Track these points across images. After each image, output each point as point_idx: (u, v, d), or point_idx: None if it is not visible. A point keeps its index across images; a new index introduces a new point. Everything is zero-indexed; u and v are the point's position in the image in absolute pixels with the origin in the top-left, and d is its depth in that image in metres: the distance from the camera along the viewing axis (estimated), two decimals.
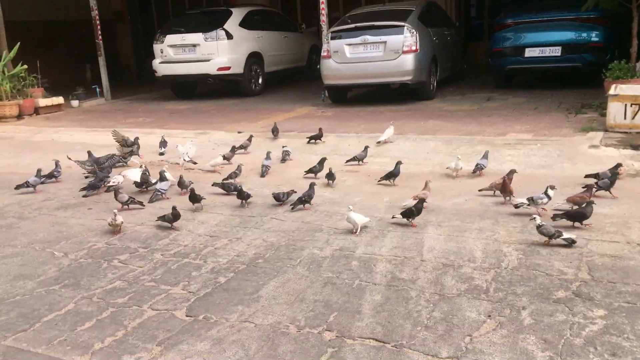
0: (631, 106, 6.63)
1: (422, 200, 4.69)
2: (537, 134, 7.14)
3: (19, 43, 11.77)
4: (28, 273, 4.18)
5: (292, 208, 5.26)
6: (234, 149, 7.33)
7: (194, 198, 5.41)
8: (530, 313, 3.14)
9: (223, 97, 13.19)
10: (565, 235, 4.01)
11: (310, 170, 6.35)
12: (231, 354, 2.95)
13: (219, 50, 12.34)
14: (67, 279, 4.04)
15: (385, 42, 10.00)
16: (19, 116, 11.48)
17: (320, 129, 7.84)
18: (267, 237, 4.63)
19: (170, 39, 12.69)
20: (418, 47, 9.93)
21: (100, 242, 4.76)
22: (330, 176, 5.98)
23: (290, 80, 15.00)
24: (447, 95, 10.99)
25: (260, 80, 13.35)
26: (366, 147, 6.86)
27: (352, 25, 10.39)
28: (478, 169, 6.02)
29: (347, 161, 6.78)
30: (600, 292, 3.33)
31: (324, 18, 11.45)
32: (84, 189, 6.17)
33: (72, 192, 6.27)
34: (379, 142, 7.34)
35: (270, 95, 13.02)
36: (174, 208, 4.96)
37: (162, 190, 5.85)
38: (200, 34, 12.40)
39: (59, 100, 12.34)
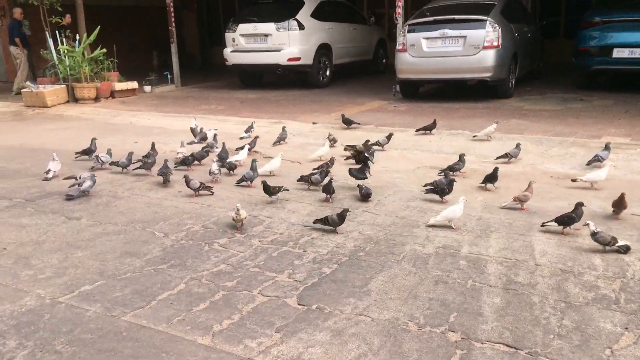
0: None
1: (579, 205, 4.30)
2: (635, 138, 6.80)
3: (98, 27, 12.05)
4: (134, 251, 4.21)
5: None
6: (367, 144, 6.72)
7: (268, 190, 5.30)
8: None
9: (290, 88, 13.19)
10: (621, 242, 3.85)
11: (449, 168, 5.88)
12: (354, 347, 2.86)
13: (290, 41, 12.33)
14: (172, 259, 4.05)
15: (465, 37, 9.74)
16: (96, 99, 11.76)
17: (434, 120, 7.73)
18: (363, 230, 4.53)
19: (243, 27, 12.76)
20: (500, 43, 9.63)
21: (196, 224, 4.77)
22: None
23: (356, 73, 14.87)
24: (525, 94, 10.65)
25: (327, 72, 13.30)
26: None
27: (431, 19, 10.15)
28: (595, 160, 5.89)
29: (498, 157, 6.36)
30: None
31: (399, 10, 11.24)
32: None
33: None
34: (475, 137, 7.13)
35: (337, 88, 12.94)
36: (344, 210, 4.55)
37: (251, 176, 5.79)
38: (272, 23, 12.42)
39: (134, 84, 12.60)
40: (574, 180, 5.43)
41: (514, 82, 10.53)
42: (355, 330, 3.03)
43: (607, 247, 3.88)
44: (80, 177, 5.66)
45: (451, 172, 5.79)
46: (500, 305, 3.23)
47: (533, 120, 8.23)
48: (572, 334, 2.89)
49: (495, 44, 9.61)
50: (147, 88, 13.31)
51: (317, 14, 12.85)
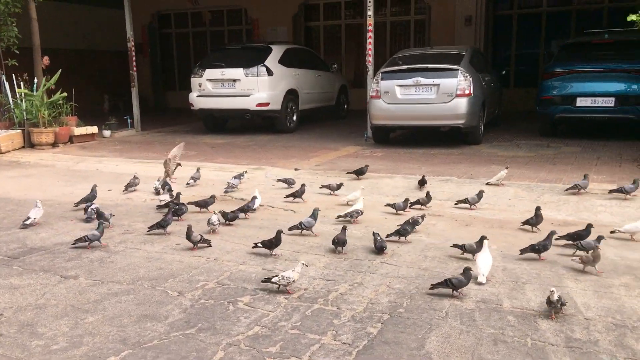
0: None
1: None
2: (619, 183, 6.97)
3: (59, 70, 11.52)
4: (151, 313, 3.82)
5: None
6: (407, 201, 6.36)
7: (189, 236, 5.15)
8: None
9: (257, 133, 13.01)
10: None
11: (527, 222, 5.61)
12: None
13: (258, 86, 12.21)
14: (198, 321, 3.70)
15: (438, 85, 9.92)
16: (54, 144, 11.14)
17: (366, 165, 7.94)
18: (391, 284, 4.33)
19: (210, 72, 12.55)
20: (472, 91, 9.86)
21: (209, 281, 4.42)
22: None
23: (319, 119, 14.86)
24: (493, 141, 10.90)
25: (294, 118, 13.22)
26: (481, 192, 6.48)
27: (404, 67, 10.32)
28: (627, 191, 6.26)
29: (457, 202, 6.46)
30: None
31: (370, 59, 11.38)
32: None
33: (147, 225, 5.90)
34: (488, 183, 7.15)
35: (305, 133, 12.86)
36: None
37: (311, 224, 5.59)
38: (241, 69, 12.29)
39: (94, 129, 12.05)
40: (612, 232, 5.30)
41: (482, 128, 10.77)
42: None
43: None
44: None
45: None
46: None
47: (513, 166, 8.35)
48: None
49: (467, 92, 9.83)
50: (107, 133, 12.76)
51: (284, 61, 12.83)
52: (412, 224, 5.34)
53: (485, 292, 4.13)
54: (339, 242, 5.09)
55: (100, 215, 5.83)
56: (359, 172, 7.80)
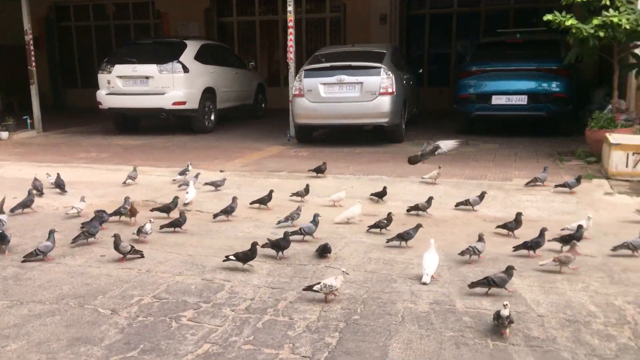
0: (633, 155, 6.90)
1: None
2: (550, 179, 7.22)
3: None
4: (84, 336, 3.42)
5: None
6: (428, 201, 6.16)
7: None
8: None
9: (174, 133, 12.43)
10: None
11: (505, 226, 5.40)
12: None
13: (174, 84, 11.66)
14: (140, 342, 3.35)
15: (362, 83, 9.90)
16: None
17: (324, 163, 7.73)
18: (341, 290, 4.16)
19: (120, 69, 11.83)
20: (394, 90, 9.92)
21: (144, 296, 4.05)
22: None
23: (234, 119, 14.45)
24: (414, 139, 10.99)
25: (212, 117, 12.76)
26: (484, 195, 6.33)
27: (327, 65, 10.22)
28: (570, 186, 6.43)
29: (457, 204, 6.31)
30: None
31: (291, 56, 11.19)
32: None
33: (65, 237, 5.36)
34: (422, 178, 7.24)
35: (224, 134, 12.45)
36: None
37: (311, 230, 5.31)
38: (155, 65, 11.67)
39: None
40: (562, 230, 5.26)
41: (404, 127, 10.88)
42: None
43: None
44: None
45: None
46: None
47: (441, 162, 8.46)
48: None
49: (390, 90, 9.89)
50: (4, 134, 11.69)
51: (200, 57, 12.34)
52: (416, 228, 5.12)
53: (436, 293, 4.06)
54: (279, 246, 4.86)
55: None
56: (319, 170, 7.64)
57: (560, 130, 10.71)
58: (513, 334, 3.41)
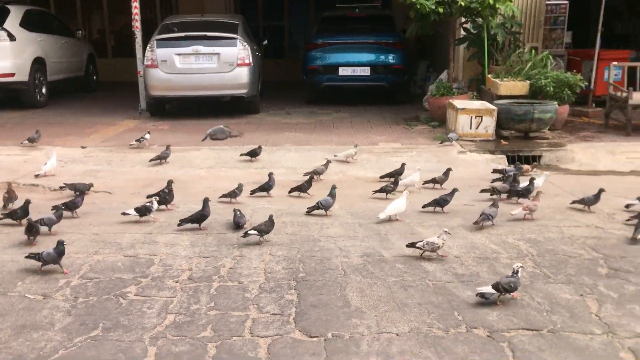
0: (475, 118, 7.95)
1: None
2: (403, 143, 7.98)
3: None
4: (28, 323, 3.21)
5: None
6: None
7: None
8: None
9: (2, 109, 11.04)
10: None
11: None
12: None
13: (0, 54, 10.35)
14: (97, 321, 3.25)
15: (219, 54, 9.80)
16: None
17: (259, 147, 7.30)
18: (274, 252, 4.33)
19: None
20: (251, 61, 10.01)
21: (72, 278, 3.81)
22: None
23: (67, 92, 13.25)
24: (268, 110, 11.21)
25: (44, 90, 11.59)
26: (328, 161, 6.62)
27: (182, 34, 9.91)
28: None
29: (306, 173, 6.38)
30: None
31: (137, 24, 10.61)
32: None
33: None
34: (336, 156, 7.12)
35: (61, 108, 11.39)
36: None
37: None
38: None
39: None
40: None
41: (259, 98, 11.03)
42: (401, 348, 2.97)
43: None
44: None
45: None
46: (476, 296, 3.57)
47: (303, 132, 8.85)
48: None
49: (247, 61, 9.94)
50: None
51: (25, 24, 11.06)
52: (452, 193, 5.31)
53: (362, 247, 4.43)
54: (198, 219, 4.82)
55: None
56: (253, 154, 7.18)
57: (397, 98, 11.70)
58: (444, 273, 3.92)
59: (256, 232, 4.47)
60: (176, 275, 3.91)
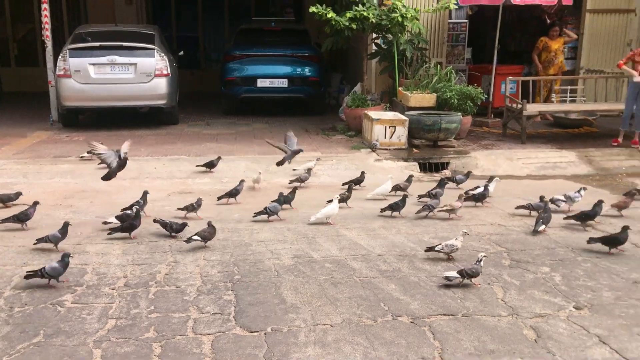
0: (389, 128, 8.46)
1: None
2: (323, 152, 8.34)
3: None
4: None
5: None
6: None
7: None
8: None
9: None
10: None
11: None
12: (348, 350, 3.13)
13: None
14: (38, 329, 3.32)
15: (136, 64, 9.76)
16: None
17: (218, 157, 7.40)
18: (207, 257, 4.51)
19: None
20: (169, 71, 10.04)
21: (3, 290, 3.83)
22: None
23: None
24: (187, 121, 11.23)
25: None
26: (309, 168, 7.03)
27: (96, 44, 9.77)
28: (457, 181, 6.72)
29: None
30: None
31: (48, 33, 10.32)
32: None
33: None
34: (295, 170, 7.26)
35: None
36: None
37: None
38: None
39: None
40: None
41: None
42: (335, 337, 3.26)
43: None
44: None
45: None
46: (399, 288, 3.93)
47: (225, 142, 8.99)
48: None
49: (165, 72, 9.96)
50: None
51: None
52: (403, 199, 5.64)
53: (292, 250, 4.69)
54: (128, 228, 4.89)
55: None
56: (210, 165, 7.27)
57: (314, 109, 12.09)
58: (370, 270, 4.26)
59: (200, 238, 4.62)
60: (112, 282, 3.99)
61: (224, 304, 3.67)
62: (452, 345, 3.20)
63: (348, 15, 9.32)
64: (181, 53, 13.25)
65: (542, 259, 4.49)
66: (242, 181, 6.16)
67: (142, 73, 9.78)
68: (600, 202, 5.37)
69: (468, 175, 6.84)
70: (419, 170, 7.65)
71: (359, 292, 3.88)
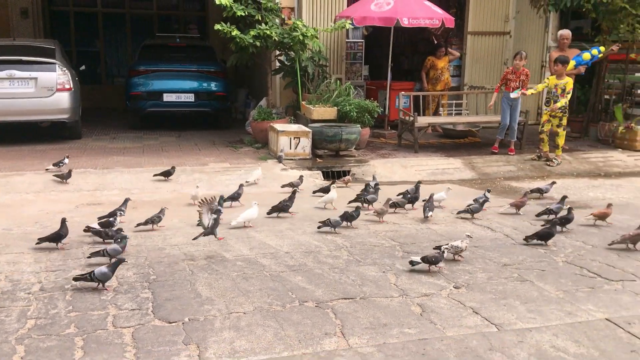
0: (294, 139, 8.94)
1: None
2: (232, 163, 8.66)
3: None
4: None
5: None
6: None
7: None
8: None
9: None
10: None
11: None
12: (262, 332, 3.50)
13: None
14: None
15: (36, 79, 9.61)
16: None
17: (173, 167, 7.73)
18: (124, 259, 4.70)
19: None
20: (72, 86, 9.97)
21: None
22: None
23: None
24: (91, 135, 11.14)
25: None
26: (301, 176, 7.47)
27: None
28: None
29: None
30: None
31: None
32: None
33: None
34: (247, 182, 7.37)
35: None
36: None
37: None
38: None
39: None
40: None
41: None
42: (248, 322, 3.62)
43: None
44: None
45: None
46: (305, 280, 4.36)
47: (132, 155, 9.06)
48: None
49: (67, 86, 9.87)
50: None
51: None
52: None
53: (204, 250, 5.01)
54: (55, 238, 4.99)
55: None
56: (167, 174, 7.64)
57: (221, 123, 12.37)
58: (278, 265, 4.66)
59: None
60: (27, 287, 4.12)
61: (142, 300, 3.92)
62: (351, 322, 3.66)
63: (252, 33, 9.73)
64: (82, 68, 13.13)
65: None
66: (241, 185, 6.74)
67: (44, 87, 9.65)
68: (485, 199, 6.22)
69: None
70: (323, 178, 8.17)
71: (269, 284, 4.26)
